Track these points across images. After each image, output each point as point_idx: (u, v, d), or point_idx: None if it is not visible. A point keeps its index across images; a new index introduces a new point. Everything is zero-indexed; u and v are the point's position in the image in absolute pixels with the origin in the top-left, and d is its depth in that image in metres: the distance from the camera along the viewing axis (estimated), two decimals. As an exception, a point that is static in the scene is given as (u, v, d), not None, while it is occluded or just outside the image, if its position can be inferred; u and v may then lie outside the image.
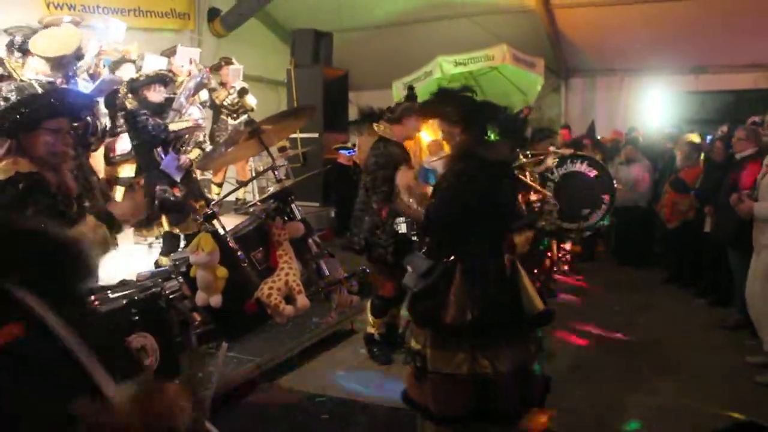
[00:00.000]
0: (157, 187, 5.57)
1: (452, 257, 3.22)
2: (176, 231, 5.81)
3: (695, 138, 8.50)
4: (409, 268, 3.40)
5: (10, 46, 5.50)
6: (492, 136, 3.27)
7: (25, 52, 5.21)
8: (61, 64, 4.91)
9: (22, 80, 5.10)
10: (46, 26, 5.80)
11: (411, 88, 5.23)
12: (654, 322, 6.63)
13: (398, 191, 4.89)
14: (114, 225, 2.74)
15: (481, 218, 3.18)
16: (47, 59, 4.83)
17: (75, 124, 4.74)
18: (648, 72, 11.81)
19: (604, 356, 5.59)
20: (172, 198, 5.55)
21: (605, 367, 5.33)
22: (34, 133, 2.70)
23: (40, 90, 4.94)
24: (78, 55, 5.56)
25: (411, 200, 3.57)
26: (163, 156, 5.62)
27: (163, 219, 5.88)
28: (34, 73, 5.01)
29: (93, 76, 6.03)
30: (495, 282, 3.22)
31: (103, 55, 6.67)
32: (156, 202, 5.60)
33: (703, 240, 7.23)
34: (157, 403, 1.39)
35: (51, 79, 5.06)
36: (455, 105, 3.33)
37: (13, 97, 4.81)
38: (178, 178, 5.55)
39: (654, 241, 9.14)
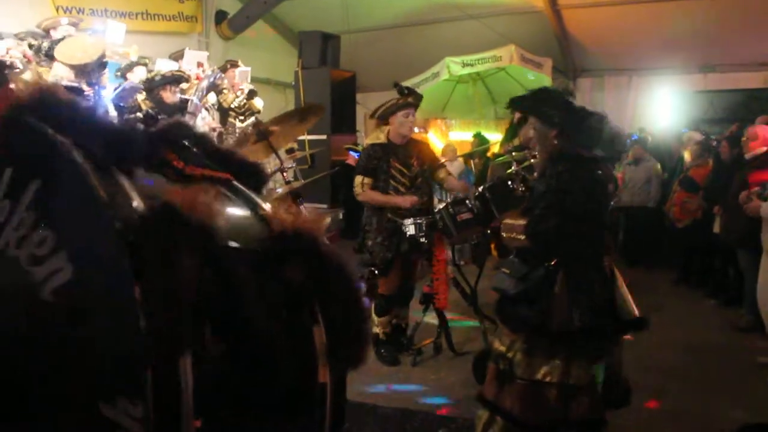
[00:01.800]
0: None
1: (554, 261, 3.18)
2: None
3: (697, 135, 8.46)
4: (504, 270, 3.36)
5: (38, 51, 5.57)
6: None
7: (51, 57, 5.26)
8: (85, 71, 4.97)
9: None
10: (45, 29, 5.86)
11: (396, 84, 5.13)
12: (664, 323, 6.58)
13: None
14: None
15: (585, 220, 3.16)
16: (71, 67, 4.88)
17: None
18: (656, 71, 11.76)
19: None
20: None
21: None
22: None
23: None
24: (101, 63, 5.61)
25: None
26: None
27: None
28: (59, 78, 5.06)
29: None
30: (598, 287, 3.20)
31: (105, 56, 6.71)
32: None
33: (713, 240, 7.19)
34: None
35: (75, 85, 5.10)
36: (557, 107, 3.27)
37: None
38: None
39: (663, 241, 9.10)
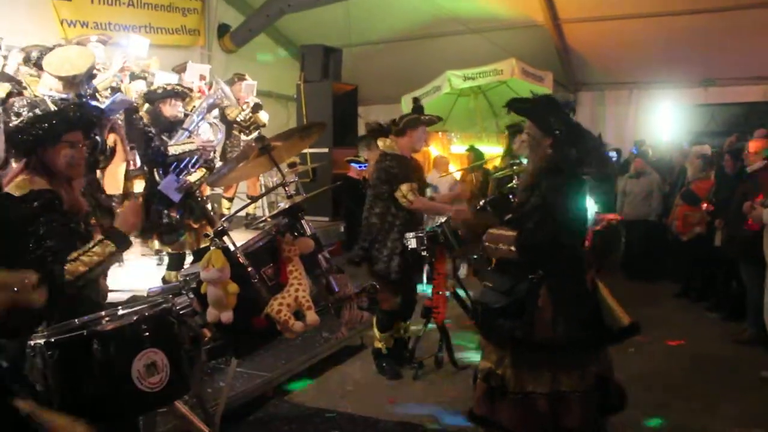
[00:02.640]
0: (152, 206, 5.57)
1: (537, 274, 3.19)
2: (168, 250, 5.81)
3: (705, 150, 8.48)
4: (486, 284, 3.37)
5: (27, 61, 5.58)
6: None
7: (41, 67, 5.27)
8: (73, 83, 4.95)
9: (35, 96, 5.14)
10: (78, 44, 5.87)
11: (416, 100, 5.25)
12: (665, 336, 6.57)
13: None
14: (123, 242, 2.76)
15: (574, 236, 3.17)
16: (59, 78, 4.87)
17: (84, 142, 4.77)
18: (657, 85, 11.79)
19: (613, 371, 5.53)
20: (165, 220, 5.54)
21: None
22: (55, 147, 2.78)
23: (52, 106, 4.98)
24: (91, 75, 5.61)
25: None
26: (162, 177, 5.61)
27: (155, 238, 5.89)
28: (48, 89, 5.06)
29: (116, 90, 6.12)
30: (582, 298, 3.21)
31: (126, 71, 6.77)
32: (147, 220, 5.60)
33: (715, 253, 7.19)
34: None
35: (64, 96, 5.10)
36: (557, 117, 3.28)
37: (24, 112, 4.84)
38: (176, 200, 5.51)
39: (665, 254, 9.09)
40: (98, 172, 5.58)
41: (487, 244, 3.43)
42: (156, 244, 5.74)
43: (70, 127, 2.82)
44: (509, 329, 3.22)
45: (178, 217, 5.54)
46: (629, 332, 3.35)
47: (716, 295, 7.55)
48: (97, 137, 4.93)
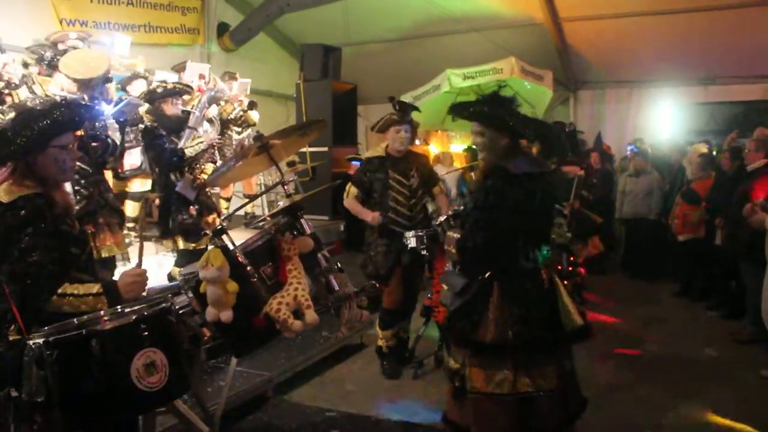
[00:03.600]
0: (174, 210, 5.60)
1: (488, 273, 3.18)
2: (190, 247, 5.82)
3: (703, 148, 8.47)
4: (444, 287, 3.37)
5: (40, 61, 5.60)
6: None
7: (54, 67, 5.28)
8: (89, 86, 4.99)
9: (47, 95, 5.17)
10: (53, 42, 5.88)
11: (391, 98, 5.24)
12: (665, 335, 6.58)
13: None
14: (116, 302, 2.67)
15: (514, 234, 3.15)
16: (75, 80, 4.90)
17: (94, 144, 4.80)
18: (657, 84, 11.79)
19: (614, 371, 5.54)
20: (189, 220, 5.58)
21: (616, 382, 5.28)
22: (44, 153, 2.66)
23: None
24: (106, 78, 5.64)
25: None
26: (179, 178, 5.63)
27: (179, 238, 5.89)
28: (59, 89, 5.08)
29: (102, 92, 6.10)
30: (534, 298, 3.19)
31: (110, 70, 6.74)
32: (171, 223, 5.63)
33: (715, 252, 7.18)
34: None
35: (76, 97, 5.13)
36: (509, 112, 3.25)
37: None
38: (192, 198, 5.56)
39: (665, 253, 9.09)
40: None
41: (445, 248, 3.45)
42: (180, 243, 5.75)
43: (59, 130, 2.69)
44: (464, 329, 3.22)
45: (196, 215, 5.59)
46: (582, 334, 3.32)
47: (716, 294, 7.55)
48: (108, 139, 4.94)
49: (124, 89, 6.95)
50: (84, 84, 4.89)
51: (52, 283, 2.58)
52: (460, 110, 3.38)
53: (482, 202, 3.15)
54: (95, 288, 2.66)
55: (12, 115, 4.66)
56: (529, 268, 3.19)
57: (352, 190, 5.28)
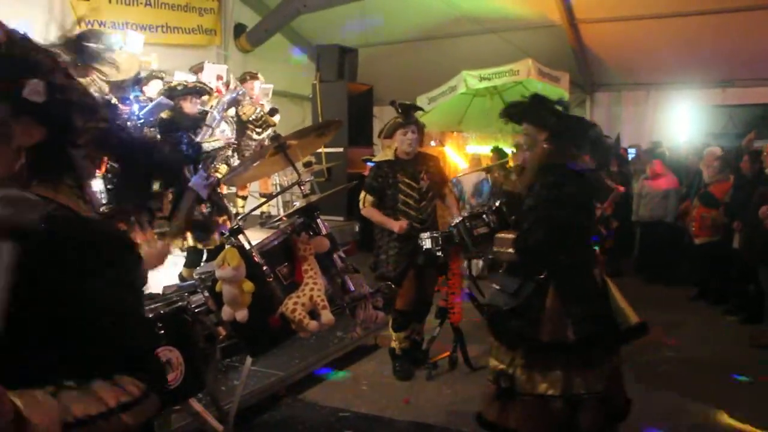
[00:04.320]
0: (185, 204, 5.61)
1: (544, 274, 3.18)
2: (199, 246, 5.84)
3: (716, 152, 8.39)
4: (495, 286, 3.37)
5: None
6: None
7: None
8: (121, 87, 5.05)
9: None
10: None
11: (392, 102, 5.25)
12: (682, 340, 6.52)
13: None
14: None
15: (574, 233, 3.15)
16: (108, 83, 4.96)
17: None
18: (674, 86, 11.70)
19: (630, 376, 5.48)
20: (200, 217, 5.59)
21: (632, 386, 5.21)
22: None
23: None
24: (137, 80, 5.71)
25: None
26: (193, 174, 5.65)
27: (188, 234, 5.91)
28: (92, 91, 5.13)
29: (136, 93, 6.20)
30: (590, 297, 3.19)
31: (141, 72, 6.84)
32: (182, 218, 5.64)
33: (733, 256, 7.12)
34: None
35: (107, 98, 5.19)
36: (550, 112, 3.28)
37: None
38: (205, 196, 5.58)
39: (681, 257, 9.01)
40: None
41: (495, 249, 3.45)
42: (189, 241, 5.78)
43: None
44: (518, 330, 3.21)
45: (207, 214, 5.60)
46: (637, 332, 3.31)
47: (734, 299, 7.47)
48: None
49: (140, 89, 7.01)
50: (116, 86, 4.96)
51: None
52: (506, 113, 3.44)
53: (544, 197, 3.14)
54: None
55: None
56: (584, 266, 3.19)
57: (367, 198, 5.22)
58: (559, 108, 3.34)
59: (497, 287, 3.38)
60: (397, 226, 5.05)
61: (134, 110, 5.50)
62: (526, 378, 3.18)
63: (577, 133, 3.25)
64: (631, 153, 11.28)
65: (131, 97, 5.61)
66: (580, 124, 3.35)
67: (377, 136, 5.49)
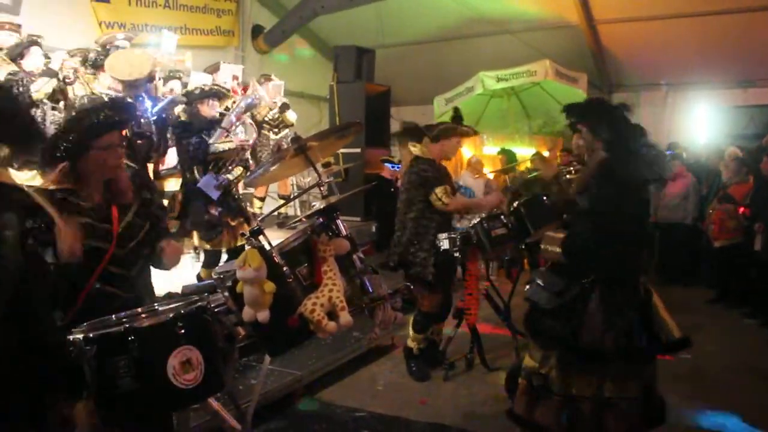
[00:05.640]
0: (193, 203, 5.64)
1: (590, 278, 3.17)
2: (207, 246, 5.86)
3: (737, 152, 8.31)
4: (539, 282, 3.35)
5: (85, 62, 5.75)
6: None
7: (98, 67, 5.41)
8: (134, 85, 5.11)
9: (93, 93, 5.31)
10: (103, 45, 6.02)
11: (456, 110, 5.31)
12: (701, 343, 6.43)
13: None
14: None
15: (625, 243, 3.14)
16: (121, 81, 5.01)
17: (139, 141, 4.90)
18: (694, 86, 11.61)
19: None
20: (206, 216, 5.61)
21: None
22: (86, 155, 2.75)
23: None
24: (150, 78, 5.76)
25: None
26: (201, 175, 5.68)
27: (195, 234, 5.95)
28: (105, 87, 5.19)
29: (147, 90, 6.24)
30: (632, 307, 3.18)
31: (158, 66, 6.89)
32: (189, 217, 5.68)
33: (753, 258, 7.05)
34: None
35: (121, 95, 5.26)
36: (609, 119, 3.26)
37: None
38: (215, 197, 5.59)
39: (700, 258, 8.93)
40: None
41: (542, 246, 3.44)
42: (195, 240, 5.81)
43: (98, 132, 2.76)
44: (557, 331, 3.20)
45: (217, 214, 5.62)
46: (680, 346, 3.29)
47: (754, 301, 7.40)
48: (153, 136, 5.05)
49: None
50: (129, 84, 5.00)
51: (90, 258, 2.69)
52: (567, 110, 3.43)
53: (602, 207, 3.14)
54: None
55: (64, 113, 4.83)
56: (630, 276, 3.18)
57: (447, 188, 5.05)
58: (622, 113, 3.31)
59: (541, 283, 3.35)
60: (496, 198, 5.20)
61: (147, 107, 5.54)
62: (560, 379, 3.18)
63: (631, 142, 3.21)
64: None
65: (143, 95, 5.66)
66: (638, 139, 3.29)
67: (429, 138, 5.43)
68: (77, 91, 5.51)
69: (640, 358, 3.19)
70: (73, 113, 4.82)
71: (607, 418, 3.15)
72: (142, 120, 5.41)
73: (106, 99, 5.11)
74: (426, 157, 5.19)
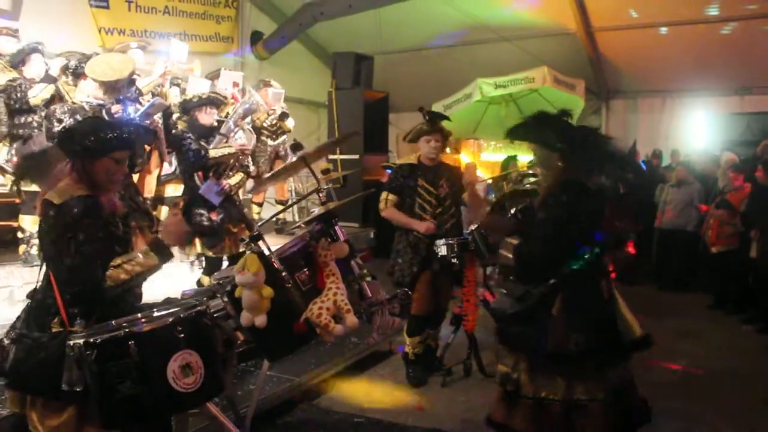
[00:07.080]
0: (194, 210, 5.65)
1: (551, 281, 3.20)
2: (209, 253, 5.86)
3: (735, 158, 8.34)
4: (502, 291, 3.38)
5: (65, 70, 5.76)
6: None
7: (78, 75, 5.42)
8: (115, 88, 5.10)
9: (74, 102, 5.31)
10: (120, 51, 6.05)
11: (421, 108, 5.25)
12: (699, 349, 6.48)
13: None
14: (165, 255, 2.81)
15: (584, 247, 3.17)
16: (101, 83, 5.01)
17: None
18: (691, 93, 11.65)
19: (645, 386, 5.46)
20: (206, 222, 5.61)
21: (647, 395, 5.21)
22: (100, 160, 2.79)
23: (90, 112, 5.15)
24: (131, 80, 5.77)
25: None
26: (202, 181, 5.69)
27: (197, 241, 5.96)
28: (86, 95, 5.19)
29: (155, 95, 6.28)
30: (595, 308, 3.20)
31: (168, 75, 6.94)
32: (191, 224, 5.69)
33: (750, 264, 7.07)
34: None
35: (102, 102, 5.25)
36: (554, 129, 3.29)
37: (66, 118, 5.01)
38: (216, 203, 5.60)
39: (698, 265, 8.95)
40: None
41: (502, 253, 3.48)
42: (198, 247, 5.82)
43: (120, 145, 2.85)
44: (522, 336, 3.23)
45: (218, 220, 5.63)
46: (641, 345, 3.31)
47: (752, 308, 7.42)
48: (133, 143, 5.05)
49: (158, 95, 7.09)
50: (110, 86, 5.01)
51: (106, 263, 2.71)
52: (510, 134, 3.41)
53: (556, 213, 3.17)
54: (142, 248, 2.82)
55: (66, 117, 4.84)
56: (589, 278, 3.20)
57: (390, 197, 5.19)
58: (565, 120, 3.34)
59: (504, 291, 3.40)
60: (423, 226, 5.00)
61: (129, 111, 5.55)
62: (530, 382, 3.20)
63: (588, 146, 3.24)
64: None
65: (125, 99, 5.67)
66: (591, 137, 3.33)
67: (403, 139, 5.49)
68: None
69: (606, 359, 3.20)
70: (78, 116, 4.86)
71: (577, 421, 3.16)
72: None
73: (86, 108, 5.14)
74: (407, 162, 5.32)
